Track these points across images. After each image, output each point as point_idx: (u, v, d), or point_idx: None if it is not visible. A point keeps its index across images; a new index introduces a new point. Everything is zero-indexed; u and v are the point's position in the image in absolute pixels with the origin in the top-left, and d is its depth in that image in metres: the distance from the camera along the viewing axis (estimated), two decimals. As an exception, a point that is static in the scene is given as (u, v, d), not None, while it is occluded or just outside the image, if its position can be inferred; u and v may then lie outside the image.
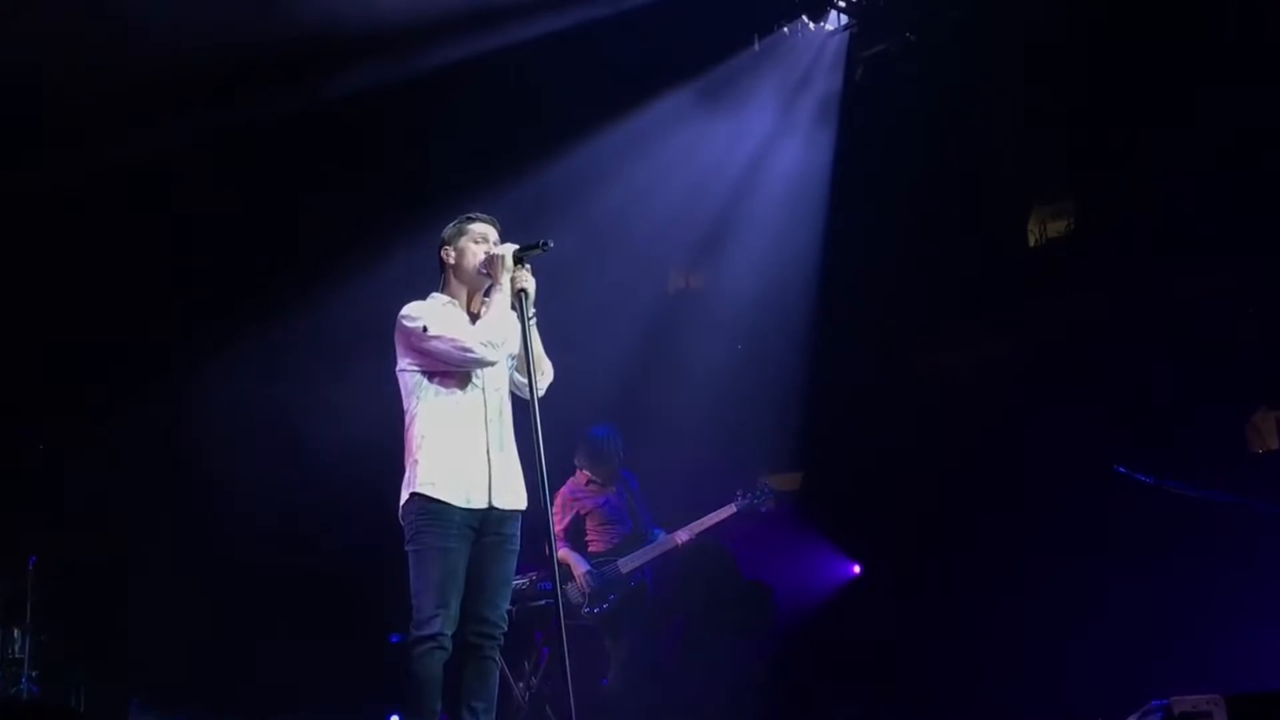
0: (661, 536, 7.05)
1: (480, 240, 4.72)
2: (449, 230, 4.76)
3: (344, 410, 7.32)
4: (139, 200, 7.24)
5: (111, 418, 7.53)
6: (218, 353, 7.59)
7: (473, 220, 4.76)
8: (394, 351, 4.70)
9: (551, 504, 4.70)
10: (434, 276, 4.80)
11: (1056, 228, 8.33)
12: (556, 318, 5.01)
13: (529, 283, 4.63)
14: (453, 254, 4.72)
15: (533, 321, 4.66)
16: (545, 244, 4.62)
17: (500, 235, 4.76)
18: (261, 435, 7.61)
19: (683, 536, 7.01)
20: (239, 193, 7.35)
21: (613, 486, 7.15)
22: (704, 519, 7.05)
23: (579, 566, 6.88)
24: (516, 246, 4.65)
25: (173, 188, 7.28)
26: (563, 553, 6.90)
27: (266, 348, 7.70)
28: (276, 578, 7.55)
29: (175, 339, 7.65)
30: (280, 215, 7.58)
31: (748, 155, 8.45)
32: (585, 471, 7.14)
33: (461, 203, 5.04)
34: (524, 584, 6.61)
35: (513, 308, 4.62)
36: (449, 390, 4.59)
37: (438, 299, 4.73)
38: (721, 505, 7.04)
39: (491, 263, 4.65)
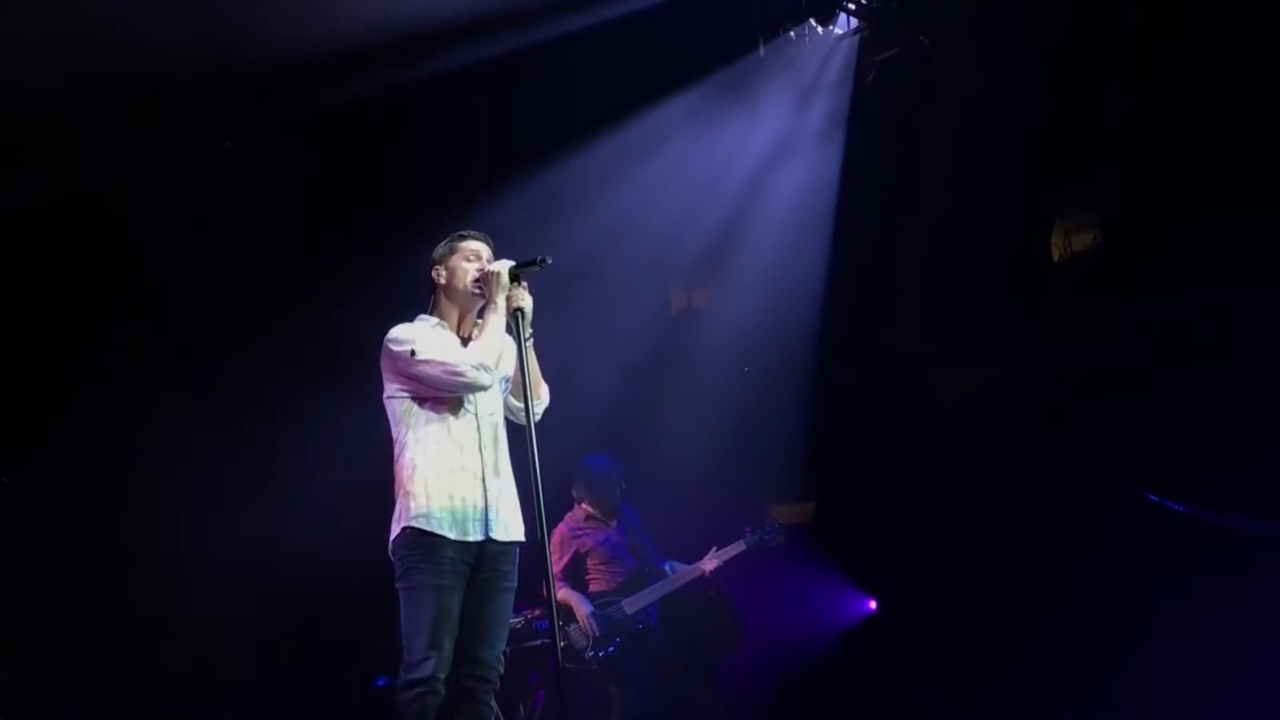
0: (681, 568, 7.04)
1: (473, 258, 4.72)
2: (439, 249, 4.77)
3: (328, 437, 7.29)
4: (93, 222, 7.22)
5: (67, 455, 7.46)
6: (177, 379, 7.52)
7: (464, 238, 4.76)
8: (381, 378, 4.68)
9: (549, 540, 4.67)
10: (421, 300, 4.78)
11: (1082, 241, 8.33)
12: (550, 340, 4.99)
13: (526, 301, 4.61)
14: (443, 273, 4.73)
15: (529, 343, 4.65)
16: (543, 260, 4.61)
17: (494, 254, 4.76)
18: (233, 466, 7.54)
19: (710, 565, 7.00)
20: (201, 214, 7.33)
21: (613, 521, 7.13)
22: (720, 551, 7.04)
23: (582, 608, 6.84)
24: (513, 263, 4.64)
25: (130, 208, 7.24)
26: (563, 594, 6.86)
27: (236, 372, 7.63)
28: (251, 620, 7.46)
29: (133, 369, 7.56)
30: (250, 237, 7.56)
31: (752, 166, 8.46)
32: (584, 505, 7.12)
33: (442, 221, 5.03)
34: (519, 622, 6.56)
35: (508, 328, 4.60)
36: (440, 417, 4.58)
37: (427, 321, 4.73)
38: (729, 542, 7.06)
39: (486, 280, 4.64)
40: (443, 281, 4.73)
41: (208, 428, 7.37)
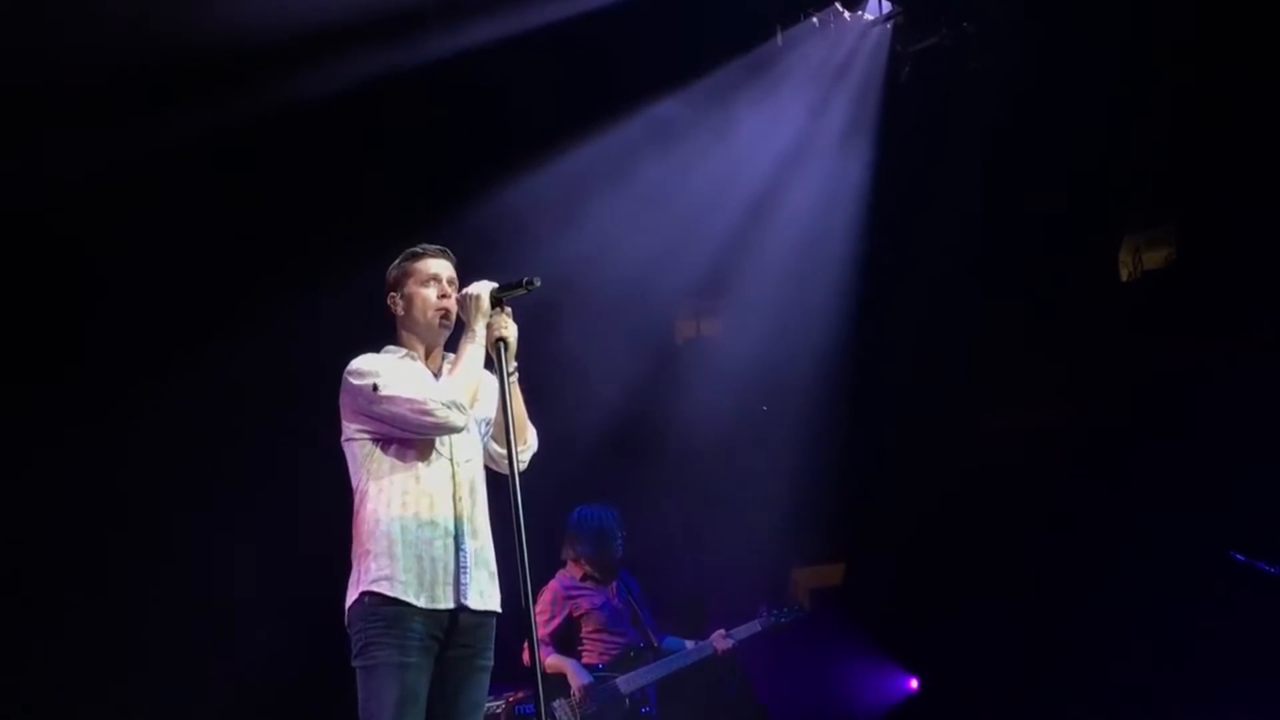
0: (689, 645, 7.03)
1: (431, 282, 4.64)
2: (392, 271, 4.69)
3: (267, 486, 7.26)
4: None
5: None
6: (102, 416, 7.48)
7: (420, 255, 4.66)
8: (339, 417, 4.62)
9: (535, 603, 4.61)
10: (378, 328, 4.72)
11: (1154, 259, 8.38)
12: (537, 375, 4.94)
13: (509, 330, 4.54)
14: (400, 302, 4.65)
15: (513, 378, 4.58)
16: (530, 282, 4.54)
17: (457, 271, 4.69)
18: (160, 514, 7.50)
19: (724, 643, 6.99)
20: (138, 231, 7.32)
21: (612, 584, 7.09)
22: (731, 633, 7.07)
23: (578, 677, 6.80)
24: (494, 285, 4.58)
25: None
26: (553, 659, 6.84)
27: (157, 413, 7.58)
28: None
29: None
30: (181, 262, 7.55)
31: (767, 174, 8.49)
32: (580, 563, 7.10)
33: (412, 234, 4.93)
34: (499, 707, 6.53)
35: (488, 362, 4.55)
36: (408, 463, 4.51)
37: (393, 351, 4.67)
38: (739, 621, 7.10)
39: (464, 305, 4.58)
40: (400, 312, 4.65)
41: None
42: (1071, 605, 7.64)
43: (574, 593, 7.05)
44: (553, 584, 7.03)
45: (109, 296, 7.45)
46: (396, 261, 4.68)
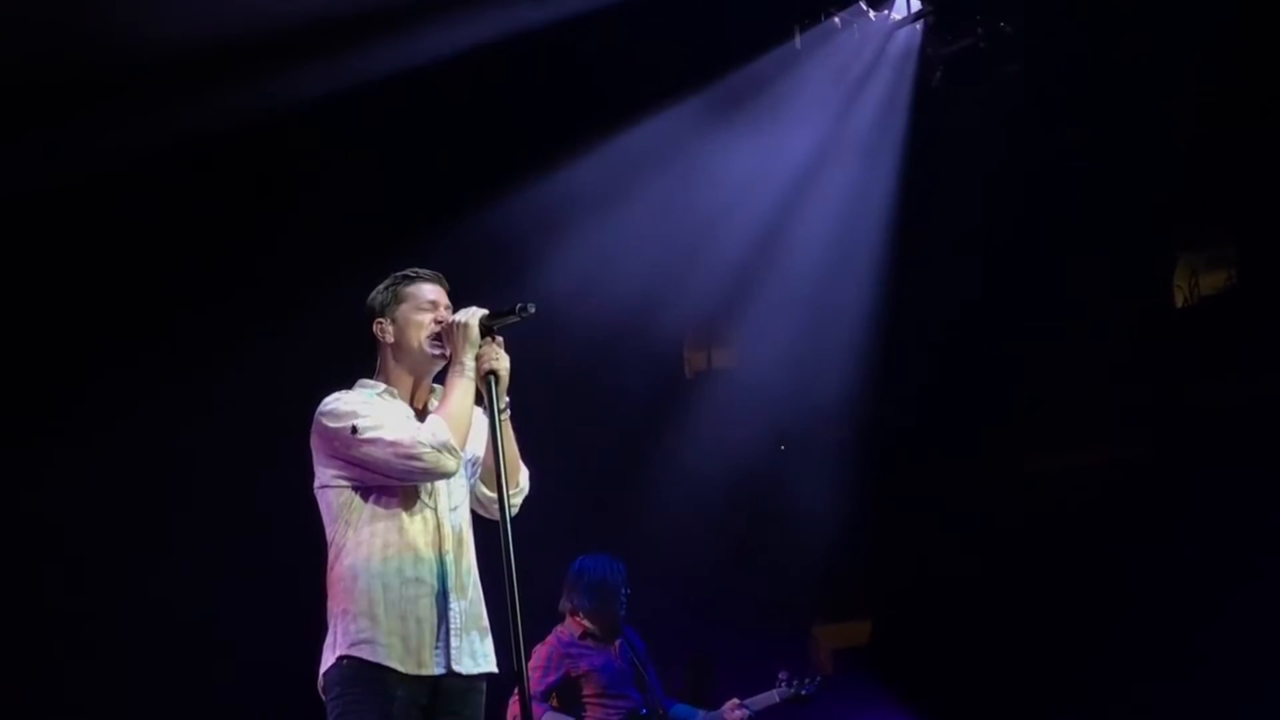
0: (700, 716, 7.02)
1: (427, 307, 4.66)
2: (380, 296, 4.68)
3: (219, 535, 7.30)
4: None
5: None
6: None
7: (413, 279, 4.68)
8: (311, 462, 4.61)
9: (527, 661, 4.61)
10: (360, 358, 4.70)
11: (1212, 282, 8.36)
12: (530, 410, 4.93)
13: (501, 362, 4.53)
14: (389, 330, 4.65)
15: (505, 415, 4.58)
16: (524, 309, 4.54)
17: (452, 299, 4.71)
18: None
19: (736, 715, 6.99)
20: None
21: (616, 642, 7.08)
22: (747, 701, 7.09)
23: None
24: (485, 312, 4.58)
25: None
26: (548, 718, 6.81)
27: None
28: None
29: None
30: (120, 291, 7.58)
31: (784, 189, 8.51)
32: (580, 618, 7.08)
33: (386, 257, 4.96)
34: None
35: (478, 397, 4.54)
36: (390, 512, 4.50)
37: (369, 387, 4.67)
38: (756, 689, 7.13)
39: (451, 334, 4.58)
40: (389, 340, 4.64)
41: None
42: (1123, 669, 7.61)
43: (572, 650, 7.03)
44: (550, 639, 7.01)
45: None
46: (384, 285, 4.67)
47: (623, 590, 7.10)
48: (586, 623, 7.08)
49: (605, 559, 7.15)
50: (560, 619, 7.11)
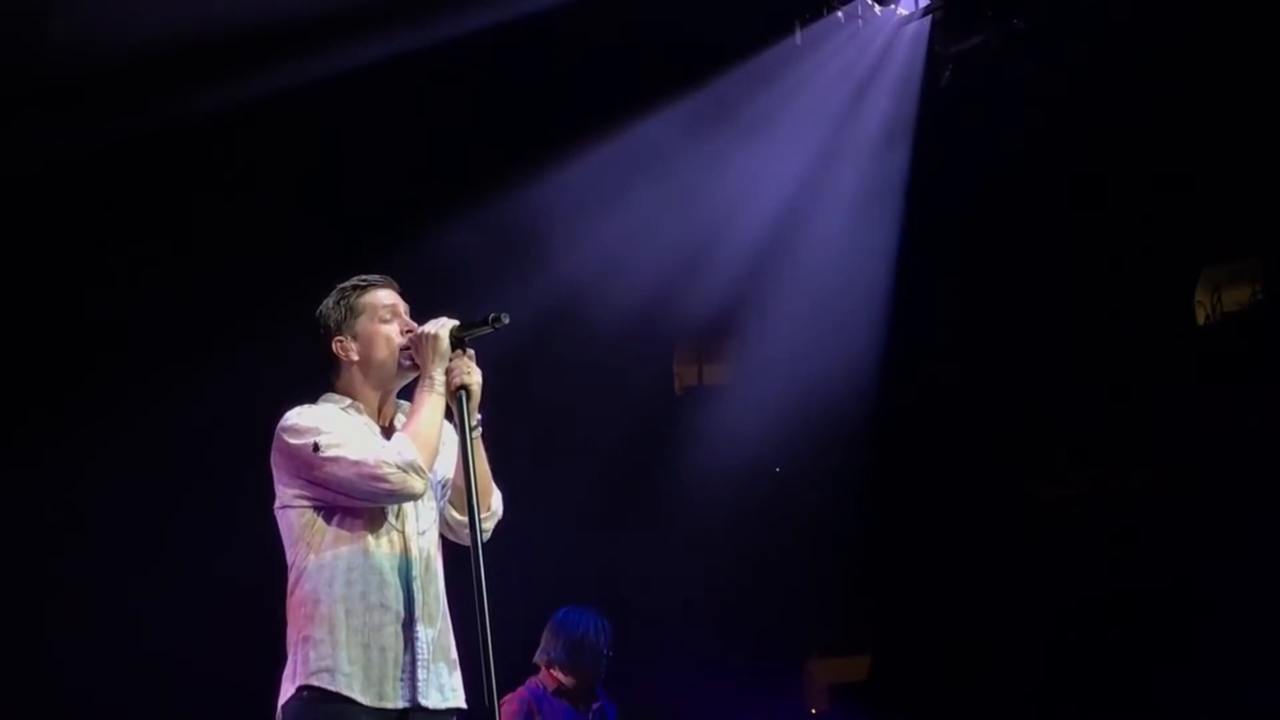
0: None
1: (388, 316, 4.67)
2: (333, 309, 4.61)
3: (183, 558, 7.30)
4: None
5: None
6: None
7: (364, 288, 4.65)
8: (271, 481, 4.64)
9: (499, 710, 4.61)
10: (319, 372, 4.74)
11: (1236, 298, 8.39)
12: (505, 429, 4.97)
13: (473, 377, 4.52)
14: (352, 347, 4.61)
15: (477, 433, 4.60)
16: (496, 320, 4.53)
17: (409, 305, 4.73)
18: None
19: None
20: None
21: (592, 707, 7.05)
22: None
23: None
24: (455, 323, 4.59)
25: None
26: None
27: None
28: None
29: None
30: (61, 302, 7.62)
31: (782, 194, 8.52)
32: (555, 672, 7.02)
33: (349, 265, 4.93)
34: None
35: (448, 413, 4.59)
36: (354, 534, 4.49)
37: (334, 401, 4.68)
38: None
39: (419, 347, 4.60)
40: (353, 358, 4.59)
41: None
42: (1131, 711, 7.65)
43: (544, 706, 6.95)
44: (521, 690, 6.93)
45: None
46: (334, 299, 4.62)
47: (605, 653, 7.08)
48: (562, 677, 7.01)
49: (591, 614, 7.05)
50: (534, 670, 7.07)
